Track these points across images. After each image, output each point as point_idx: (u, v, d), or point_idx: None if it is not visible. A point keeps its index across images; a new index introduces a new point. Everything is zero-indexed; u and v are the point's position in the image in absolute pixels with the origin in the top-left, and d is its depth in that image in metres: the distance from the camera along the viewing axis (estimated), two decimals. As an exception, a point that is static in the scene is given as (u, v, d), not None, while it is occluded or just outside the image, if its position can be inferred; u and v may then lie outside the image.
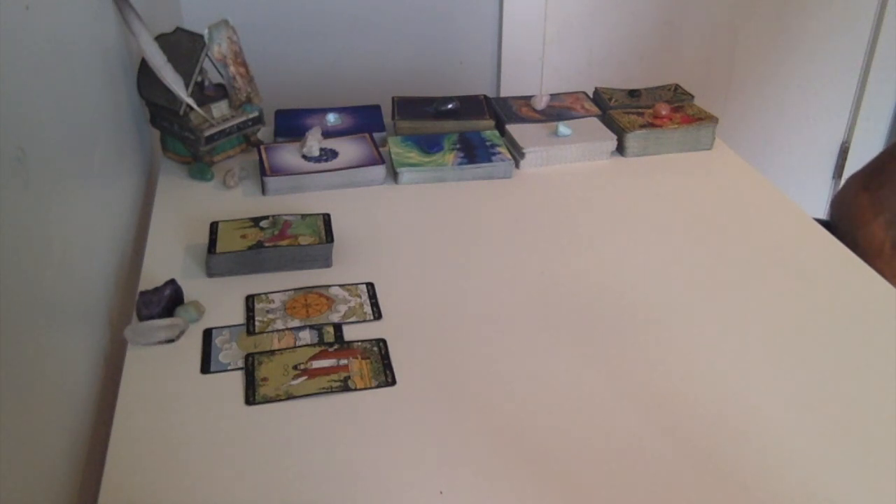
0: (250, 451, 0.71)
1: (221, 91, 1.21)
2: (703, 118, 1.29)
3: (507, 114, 1.32)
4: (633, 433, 0.74)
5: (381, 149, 1.21)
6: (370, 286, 0.93)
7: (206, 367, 0.81)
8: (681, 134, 1.27)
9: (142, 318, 0.86)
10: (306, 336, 0.85)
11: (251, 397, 0.77)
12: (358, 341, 0.84)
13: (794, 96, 2.19)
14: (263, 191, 1.13)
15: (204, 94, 1.19)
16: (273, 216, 1.02)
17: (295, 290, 0.92)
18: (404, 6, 1.87)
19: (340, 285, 0.93)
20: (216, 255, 0.95)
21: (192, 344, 0.84)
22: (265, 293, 0.92)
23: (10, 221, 0.64)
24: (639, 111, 1.31)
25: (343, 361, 0.81)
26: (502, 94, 1.97)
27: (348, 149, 1.20)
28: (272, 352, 0.83)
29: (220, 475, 0.69)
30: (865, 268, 0.99)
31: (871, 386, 0.80)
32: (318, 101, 1.53)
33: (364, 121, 1.30)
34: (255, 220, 1.02)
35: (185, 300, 0.89)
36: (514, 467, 0.70)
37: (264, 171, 1.13)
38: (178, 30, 1.18)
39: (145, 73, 1.15)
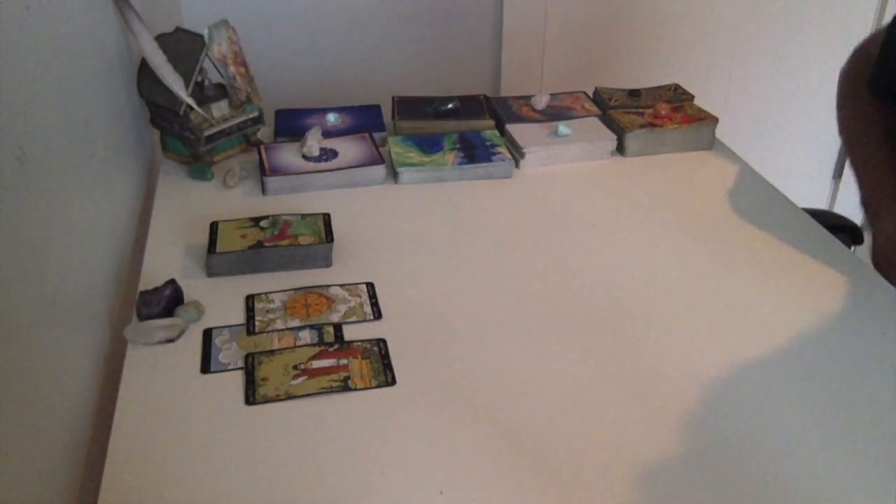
0: (250, 450, 0.71)
1: (221, 91, 1.21)
2: (703, 118, 1.29)
3: (507, 114, 1.32)
4: (634, 433, 0.74)
5: (381, 148, 1.21)
6: (370, 286, 0.93)
7: (206, 367, 0.81)
8: (681, 134, 1.27)
9: (142, 318, 0.86)
10: (306, 336, 0.85)
11: (251, 397, 0.77)
12: (358, 341, 0.84)
13: (794, 96, 2.19)
14: (263, 191, 1.13)
15: (204, 94, 1.19)
16: (273, 216, 1.02)
17: (295, 289, 0.92)
18: (404, 6, 1.87)
19: (340, 285, 0.93)
20: (216, 255, 0.95)
21: (192, 344, 0.84)
22: (265, 293, 0.92)
23: (10, 221, 0.64)
24: (639, 111, 1.31)
25: (343, 361, 0.82)
26: (502, 94, 1.97)
27: (348, 149, 1.20)
28: (272, 352, 0.83)
29: (220, 475, 0.69)
30: (866, 268, 0.99)
31: (872, 386, 0.80)
32: (318, 101, 1.53)
33: (364, 120, 1.30)
34: (255, 220, 1.02)
35: (185, 300, 0.89)
36: (515, 467, 0.70)
37: (264, 171, 1.13)
38: (178, 30, 1.18)
39: (145, 73, 1.15)
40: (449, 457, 0.71)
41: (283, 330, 0.86)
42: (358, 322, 0.88)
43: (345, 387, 0.78)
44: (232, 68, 1.19)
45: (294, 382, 0.79)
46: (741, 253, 1.01)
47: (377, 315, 0.89)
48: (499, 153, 1.20)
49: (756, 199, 1.14)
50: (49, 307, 0.72)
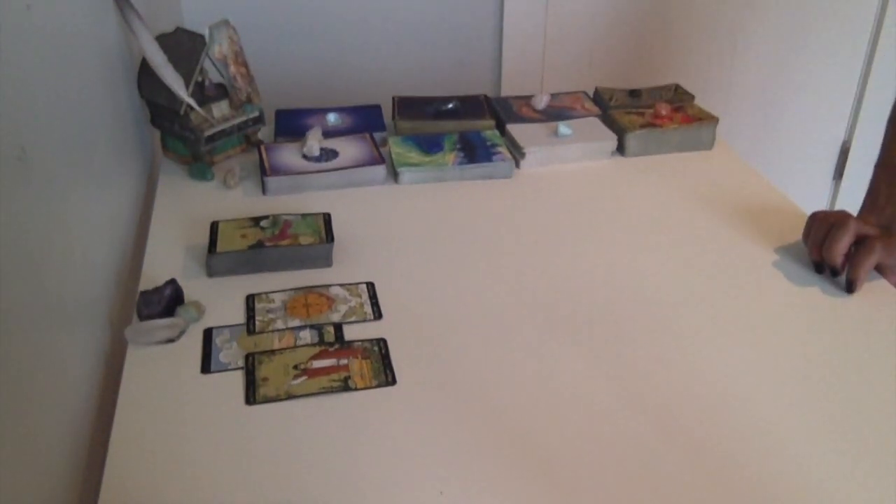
0: (250, 450, 0.71)
1: (222, 91, 1.21)
2: (703, 118, 1.29)
3: (508, 113, 1.32)
4: (634, 434, 0.74)
5: (381, 149, 1.21)
6: (370, 286, 0.93)
7: (206, 367, 0.81)
8: (681, 134, 1.27)
9: (142, 318, 0.86)
10: (306, 336, 0.85)
11: (251, 397, 0.77)
12: (358, 341, 0.84)
13: (794, 96, 2.19)
14: (264, 190, 1.13)
15: (204, 94, 1.19)
16: (273, 216, 1.02)
17: (295, 289, 0.92)
18: (405, 6, 1.87)
19: (341, 285, 0.94)
20: (216, 255, 0.95)
21: (192, 344, 0.84)
22: (265, 293, 0.92)
23: (10, 221, 0.64)
24: (639, 111, 1.31)
25: (343, 361, 0.82)
26: (503, 94, 1.97)
27: (348, 148, 1.20)
28: (272, 351, 0.83)
29: (221, 475, 0.69)
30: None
31: (874, 387, 0.80)
32: (318, 101, 1.53)
33: (364, 121, 1.30)
34: (256, 220, 1.02)
35: (186, 300, 0.89)
36: (515, 467, 0.70)
37: (264, 171, 1.13)
38: (179, 29, 1.18)
39: (146, 73, 1.15)
40: (449, 457, 0.71)
41: (283, 330, 0.86)
42: (358, 322, 0.88)
43: (345, 387, 0.78)
44: (232, 68, 1.19)
45: (294, 382, 0.79)
46: (741, 253, 1.01)
47: (377, 315, 0.89)
48: (499, 153, 1.20)
49: (756, 199, 1.14)
50: (49, 307, 0.72)
